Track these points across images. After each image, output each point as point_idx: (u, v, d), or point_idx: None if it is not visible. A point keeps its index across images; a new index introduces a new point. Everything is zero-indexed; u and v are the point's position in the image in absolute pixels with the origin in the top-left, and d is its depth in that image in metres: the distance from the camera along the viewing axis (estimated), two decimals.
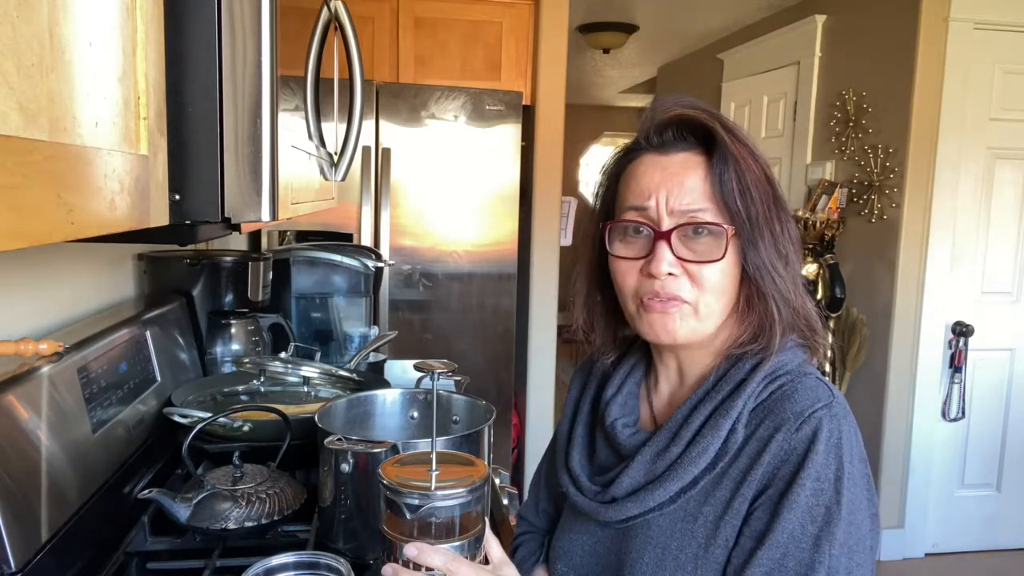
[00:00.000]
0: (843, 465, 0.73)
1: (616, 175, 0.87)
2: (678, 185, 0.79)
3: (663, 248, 0.79)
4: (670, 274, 0.79)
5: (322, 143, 0.86)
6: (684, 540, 0.78)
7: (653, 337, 0.82)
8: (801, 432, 0.74)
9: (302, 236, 2.63)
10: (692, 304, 0.80)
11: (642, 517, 0.81)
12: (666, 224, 0.79)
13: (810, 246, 3.31)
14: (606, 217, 0.86)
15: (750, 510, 0.75)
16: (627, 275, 0.83)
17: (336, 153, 0.89)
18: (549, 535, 0.99)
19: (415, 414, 1.22)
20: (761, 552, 0.72)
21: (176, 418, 1.21)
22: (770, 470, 0.75)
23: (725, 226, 0.78)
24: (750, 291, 0.81)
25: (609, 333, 0.92)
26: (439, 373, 0.79)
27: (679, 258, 0.79)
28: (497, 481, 1.39)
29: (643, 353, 0.93)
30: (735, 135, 0.80)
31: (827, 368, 3.24)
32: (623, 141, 0.89)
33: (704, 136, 0.81)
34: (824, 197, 3.35)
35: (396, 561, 0.72)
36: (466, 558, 0.73)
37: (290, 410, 1.21)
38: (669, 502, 0.79)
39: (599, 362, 0.95)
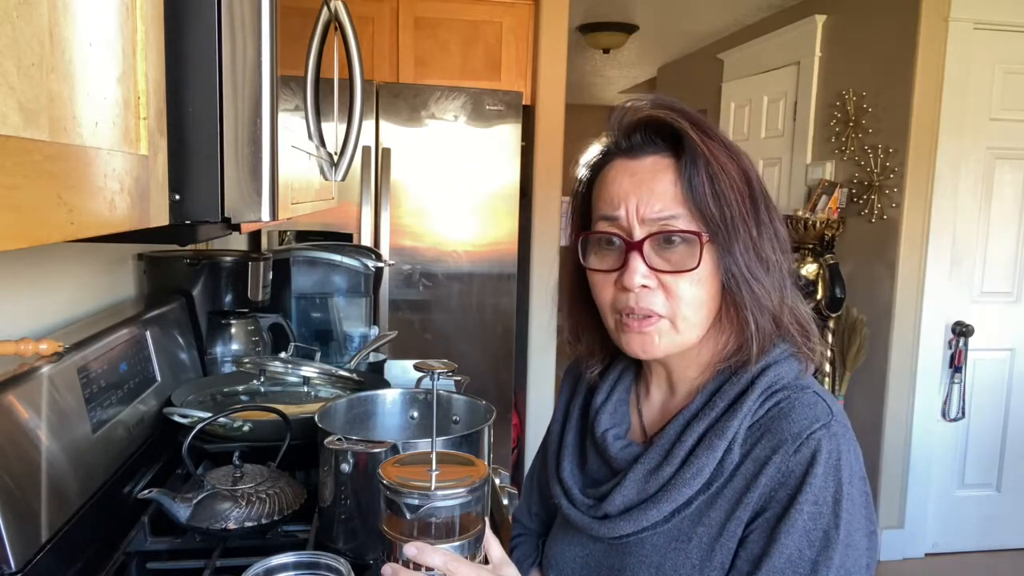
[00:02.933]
0: (842, 487, 0.71)
1: (590, 182, 0.84)
2: (648, 192, 0.76)
3: (636, 260, 0.76)
4: (644, 286, 0.76)
5: (322, 143, 0.86)
6: (678, 560, 0.77)
7: (633, 354, 0.81)
8: (800, 454, 0.72)
9: (302, 236, 2.63)
10: (668, 318, 0.77)
11: (635, 535, 0.79)
12: (638, 233, 0.76)
13: (810, 246, 3.31)
14: (582, 225, 0.84)
15: (746, 532, 0.74)
16: (603, 288, 0.80)
17: (336, 153, 0.89)
18: (543, 537, 0.99)
19: (415, 414, 1.22)
20: None
21: (176, 418, 1.21)
22: (767, 492, 0.73)
23: (699, 233, 0.75)
24: (732, 299, 0.78)
25: (596, 343, 0.90)
26: (439, 373, 0.79)
27: (653, 269, 0.76)
28: (497, 481, 1.39)
29: (632, 359, 0.90)
30: (707, 134, 0.77)
31: (827, 369, 3.24)
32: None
33: (673, 138, 0.77)
34: (824, 197, 3.35)
35: (396, 561, 0.72)
36: (466, 558, 0.73)
37: (290, 410, 1.21)
38: (663, 522, 0.78)
39: (586, 373, 0.93)
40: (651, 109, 0.79)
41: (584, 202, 0.85)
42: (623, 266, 0.77)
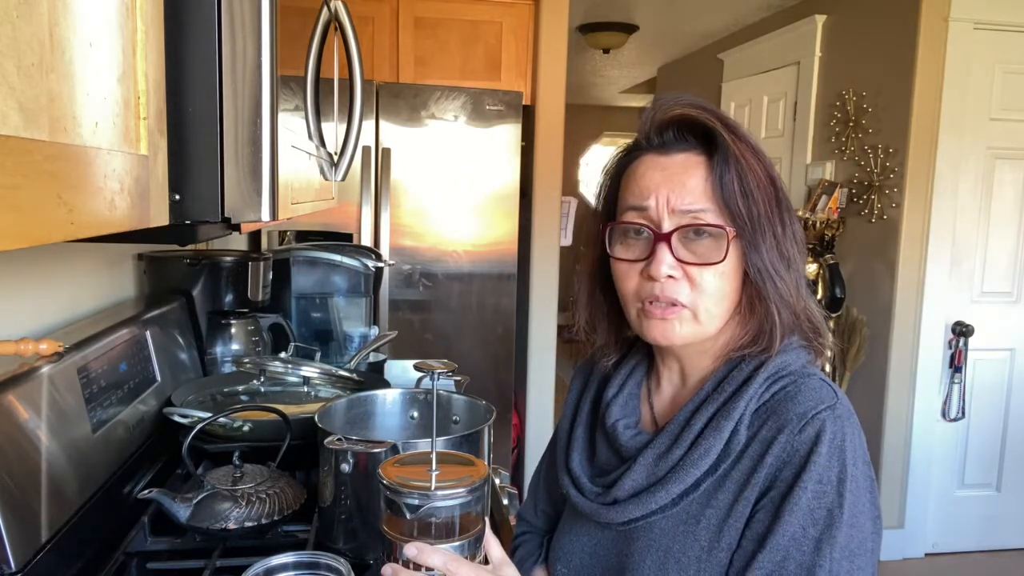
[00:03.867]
0: (846, 468, 0.72)
1: (617, 175, 0.86)
2: (679, 185, 0.78)
3: (663, 250, 0.78)
4: (670, 276, 0.78)
5: (322, 143, 0.86)
6: (686, 543, 0.77)
7: (653, 340, 0.82)
8: (804, 434, 0.73)
9: (302, 236, 2.63)
10: (691, 309, 0.79)
11: (644, 519, 0.80)
12: (667, 225, 0.78)
13: (810, 246, 3.31)
14: (607, 218, 0.86)
15: (752, 512, 0.75)
16: (627, 277, 0.82)
17: (336, 153, 0.89)
18: (548, 535, 0.99)
19: (415, 414, 1.22)
20: (762, 555, 0.72)
21: (176, 418, 1.21)
22: (772, 472, 0.74)
23: (726, 228, 0.77)
24: (752, 294, 0.80)
25: (611, 334, 0.92)
26: (439, 373, 0.79)
27: (679, 260, 0.78)
28: (497, 481, 1.39)
29: (645, 354, 0.93)
30: (737, 135, 0.79)
31: (827, 368, 3.24)
32: (623, 141, 0.89)
33: (705, 136, 0.79)
34: (824, 197, 3.35)
35: (396, 561, 0.72)
36: (466, 558, 0.73)
37: (290, 410, 1.21)
38: (671, 504, 0.79)
39: (600, 363, 0.94)
40: (684, 108, 0.81)
41: (610, 194, 0.87)
42: (650, 256, 0.79)
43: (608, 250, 0.84)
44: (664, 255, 0.78)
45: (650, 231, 0.79)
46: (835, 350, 3.23)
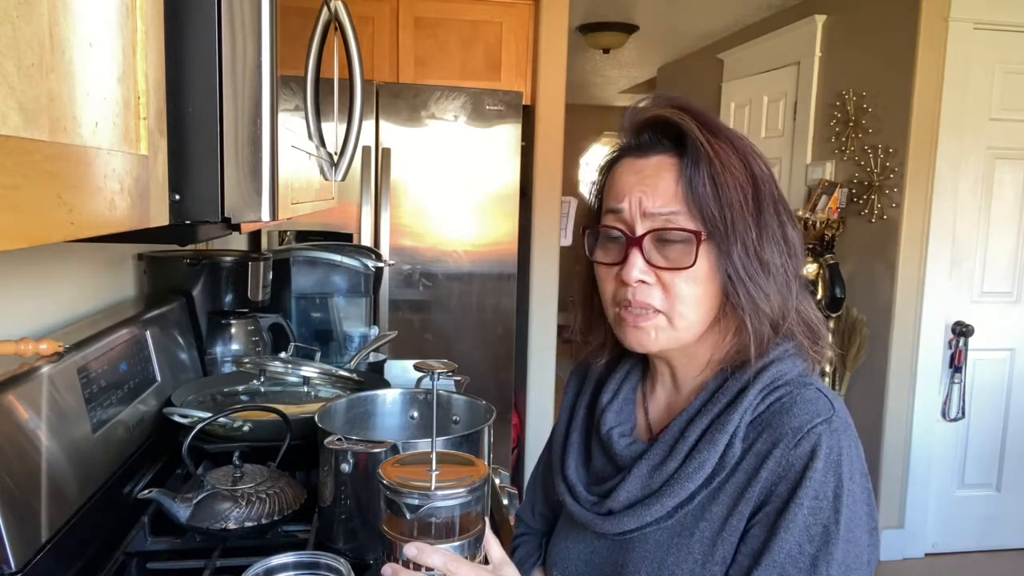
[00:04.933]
0: (842, 483, 0.71)
1: (604, 178, 0.86)
2: (651, 188, 0.77)
3: (635, 254, 0.77)
4: (642, 281, 0.77)
5: (322, 143, 0.86)
6: (680, 556, 0.77)
7: (630, 347, 0.82)
8: (799, 448, 0.72)
9: (302, 236, 2.63)
10: (665, 314, 0.78)
11: (639, 531, 0.80)
12: (639, 228, 0.78)
13: (810, 246, 3.31)
14: (597, 220, 0.85)
15: (747, 527, 0.74)
16: (606, 281, 0.82)
17: (336, 153, 0.89)
18: (547, 537, 0.99)
19: (415, 414, 1.22)
20: (757, 571, 0.71)
21: (176, 418, 1.21)
22: (767, 486, 0.73)
23: (697, 232, 0.75)
24: (730, 299, 0.78)
25: (606, 336, 0.91)
26: (439, 373, 0.79)
27: (651, 264, 0.77)
28: (497, 481, 1.39)
29: (639, 358, 0.92)
30: (714, 134, 0.77)
31: (827, 369, 3.24)
32: (618, 142, 0.89)
33: (679, 137, 0.78)
34: (824, 197, 3.35)
35: (396, 561, 0.72)
36: (466, 558, 0.73)
37: (290, 410, 1.21)
38: (666, 517, 0.78)
39: (594, 364, 0.94)
40: (659, 108, 0.80)
41: (599, 198, 0.87)
42: (624, 260, 0.78)
43: (588, 254, 0.84)
44: (636, 259, 0.77)
45: (623, 235, 0.79)
46: (835, 356, 3.22)
